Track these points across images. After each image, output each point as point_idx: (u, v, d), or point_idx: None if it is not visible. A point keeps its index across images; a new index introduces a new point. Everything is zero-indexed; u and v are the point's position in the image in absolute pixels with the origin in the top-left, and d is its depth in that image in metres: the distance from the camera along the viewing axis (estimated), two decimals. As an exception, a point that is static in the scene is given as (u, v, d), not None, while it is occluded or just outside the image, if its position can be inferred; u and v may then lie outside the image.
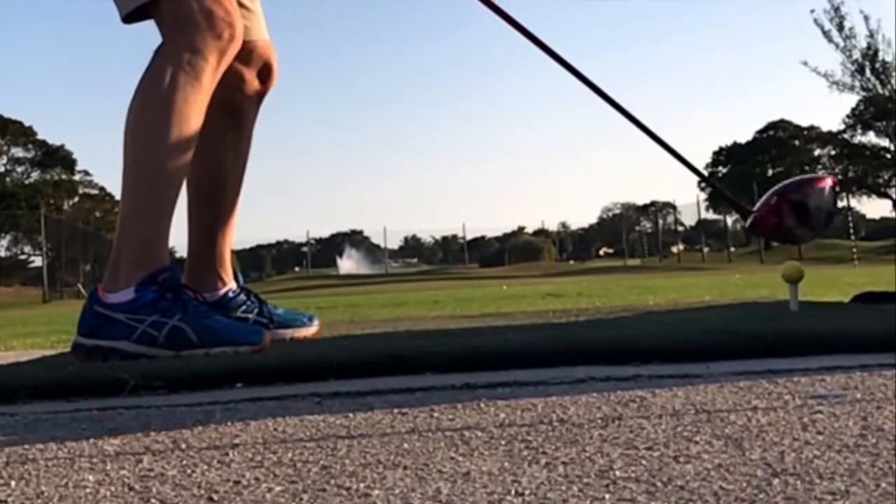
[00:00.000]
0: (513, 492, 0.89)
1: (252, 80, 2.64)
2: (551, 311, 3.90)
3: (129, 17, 2.34)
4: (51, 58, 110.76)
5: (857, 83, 44.49)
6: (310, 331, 2.70)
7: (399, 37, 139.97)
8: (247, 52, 2.59)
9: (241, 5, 2.55)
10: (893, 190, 55.06)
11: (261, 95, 2.69)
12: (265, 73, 2.67)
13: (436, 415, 1.33)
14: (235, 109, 2.63)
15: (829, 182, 2.69)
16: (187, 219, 2.64)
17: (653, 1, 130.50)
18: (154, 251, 2.23)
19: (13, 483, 1.04)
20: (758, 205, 2.72)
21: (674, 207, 59.79)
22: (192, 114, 2.25)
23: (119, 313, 2.16)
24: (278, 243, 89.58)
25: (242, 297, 2.64)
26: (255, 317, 2.60)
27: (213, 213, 2.65)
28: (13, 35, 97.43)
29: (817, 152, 62.57)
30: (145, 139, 2.26)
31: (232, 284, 2.64)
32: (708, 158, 67.44)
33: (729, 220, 52.31)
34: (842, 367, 1.59)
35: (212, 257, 2.63)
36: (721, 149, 66.75)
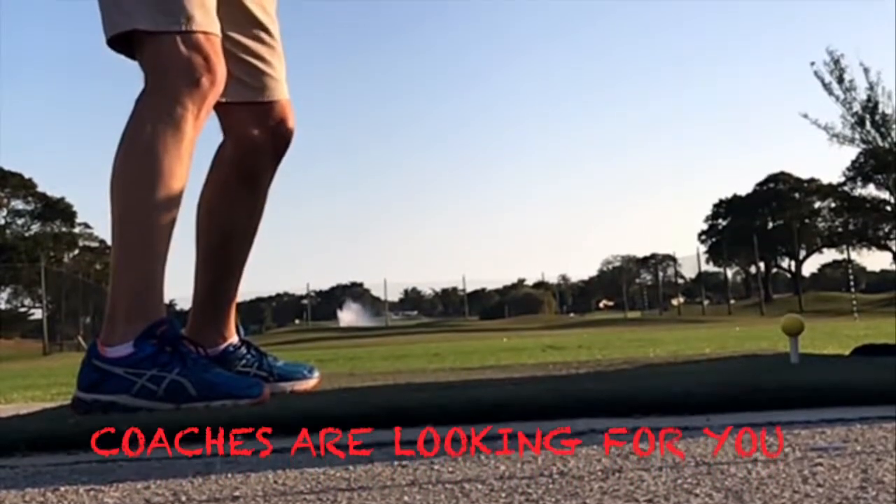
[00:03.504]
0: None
1: (267, 142, 2.62)
2: (551, 363, 3.89)
3: (115, 46, 2.33)
4: (51, 110, 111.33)
5: (857, 136, 44.56)
6: (310, 383, 2.69)
7: (401, 93, 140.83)
8: (263, 113, 2.59)
9: (260, 71, 2.56)
10: (894, 242, 55.11)
11: (277, 156, 2.67)
12: (281, 134, 2.65)
13: (436, 467, 1.33)
14: (250, 170, 2.62)
15: None
16: (194, 272, 2.64)
17: (655, 53, 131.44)
18: (149, 303, 2.23)
19: (13, 536, 1.04)
20: None
21: (674, 260, 59.98)
22: (175, 164, 2.23)
23: (118, 367, 2.16)
24: (278, 296, 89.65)
25: (243, 350, 2.63)
26: (255, 370, 2.59)
27: (220, 270, 2.64)
28: (13, 88, 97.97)
29: (817, 205, 62.74)
30: (129, 192, 2.26)
31: (233, 339, 2.64)
32: (708, 211, 67.63)
33: (729, 273, 52.33)
34: (842, 419, 1.59)
35: (215, 313, 2.63)
36: (721, 201, 66.90)
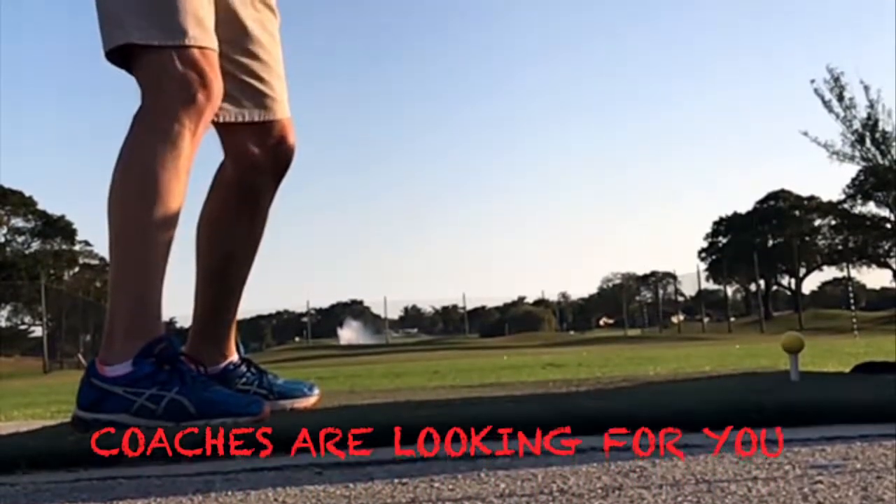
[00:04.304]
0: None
1: (267, 161, 2.61)
2: (551, 381, 3.88)
3: (114, 60, 2.32)
4: (51, 128, 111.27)
5: (857, 153, 44.57)
6: (310, 400, 2.69)
7: (400, 111, 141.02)
8: (263, 132, 2.58)
9: (260, 91, 2.56)
10: (894, 260, 55.11)
11: (278, 176, 2.66)
12: (282, 153, 2.64)
13: (436, 485, 1.33)
14: (250, 190, 2.61)
15: None
16: (194, 292, 2.63)
17: (654, 70, 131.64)
18: (147, 321, 2.22)
19: (13, 553, 1.04)
20: None
21: (674, 277, 60.06)
22: (172, 180, 2.23)
23: (117, 387, 2.15)
24: (279, 313, 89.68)
25: (243, 368, 2.63)
26: (255, 388, 2.59)
27: (220, 291, 2.64)
28: (13, 105, 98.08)
29: (818, 222, 62.82)
30: (126, 209, 2.25)
31: (233, 357, 2.63)
32: (708, 228, 67.70)
33: (729, 290, 52.33)
34: (842, 437, 1.59)
35: (215, 333, 2.62)
36: (721, 219, 67.03)
